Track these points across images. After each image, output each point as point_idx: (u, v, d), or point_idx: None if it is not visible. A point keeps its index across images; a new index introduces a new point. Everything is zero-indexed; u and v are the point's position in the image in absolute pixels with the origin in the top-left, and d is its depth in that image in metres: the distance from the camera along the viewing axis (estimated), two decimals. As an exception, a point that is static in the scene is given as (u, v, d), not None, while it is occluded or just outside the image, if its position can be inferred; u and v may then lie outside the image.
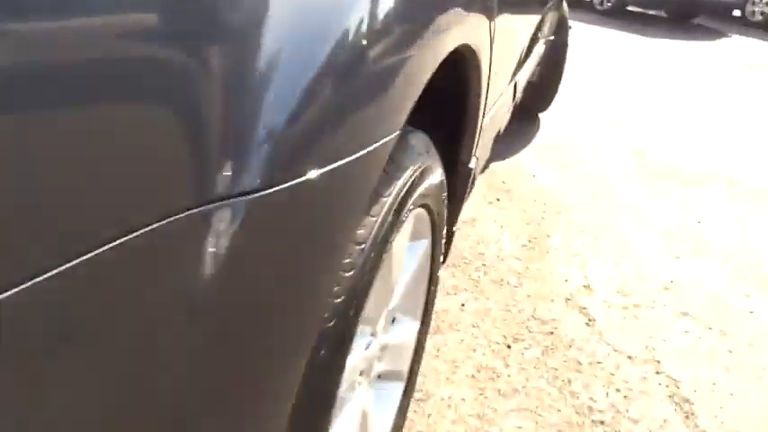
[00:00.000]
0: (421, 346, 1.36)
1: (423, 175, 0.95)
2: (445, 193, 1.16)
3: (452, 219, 1.39)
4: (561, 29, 3.56)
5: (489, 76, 1.20)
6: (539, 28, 2.78)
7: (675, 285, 2.14)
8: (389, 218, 0.80)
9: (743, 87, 5.32)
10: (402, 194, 0.84)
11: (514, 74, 2.12)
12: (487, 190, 2.76)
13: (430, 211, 1.10)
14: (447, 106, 1.23)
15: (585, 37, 6.36)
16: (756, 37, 8.22)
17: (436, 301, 1.95)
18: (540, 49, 2.95)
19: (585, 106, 4.17)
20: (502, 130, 2.43)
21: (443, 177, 1.10)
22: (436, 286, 1.36)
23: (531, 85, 3.28)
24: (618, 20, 8.21)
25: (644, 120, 4.00)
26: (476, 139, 1.28)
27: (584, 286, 2.09)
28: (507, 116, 2.40)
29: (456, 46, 0.84)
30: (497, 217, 2.52)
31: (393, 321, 1.21)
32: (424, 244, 1.17)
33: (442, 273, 2.07)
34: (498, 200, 2.67)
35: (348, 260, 0.71)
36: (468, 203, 2.65)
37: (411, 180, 0.88)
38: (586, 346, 1.79)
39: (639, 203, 2.76)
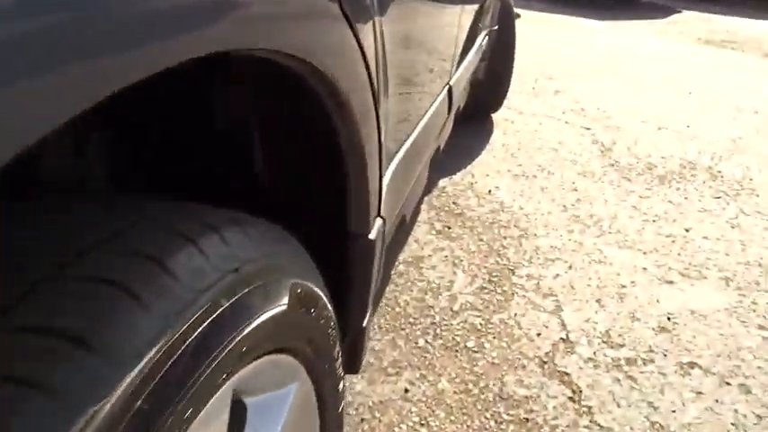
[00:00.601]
0: None
1: (233, 321, 0.47)
2: (317, 307, 0.68)
3: (358, 314, 0.91)
4: (506, 17, 3.13)
5: (378, 99, 0.72)
6: (477, 18, 2.33)
7: (673, 323, 1.70)
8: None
9: (702, 65, 5.00)
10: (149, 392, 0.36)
11: (447, 78, 1.65)
12: (435, 216, 2.29)
13: (285, 350, 0.62)
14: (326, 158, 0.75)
15: (533, 24, 5.99)
16: (704, 10, 7.99)
17: (372, 388, 1.48)
18: (482, 41, 2.51)
19: (541, 101, 3.75)
20: (442, 146, 1.97)
21: (299, 293, 0.62)
22: (340, 428, 0.88)
23: (478, 84, 2.84)
24: (565, 4, 7.89)
25: (605, 110, 3.60)
26: (373, 197, 0.80)
27: (563, 339, 1.64)
28: (447, 128, 1.94)
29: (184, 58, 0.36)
30: (449, 251, 2.05)
31: None
32: (293, 390, 0.69)
33: (380, 343, 1.60)
34: (448, 227, 2.21)
35: None
36: (413, 237, 2.19)
37: (177, 358, 0.39)
38: (574, 437, 1.33)
39: (615, 213, 2.33)
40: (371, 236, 0.83)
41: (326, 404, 0.79)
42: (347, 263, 0.83)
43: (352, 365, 0.99)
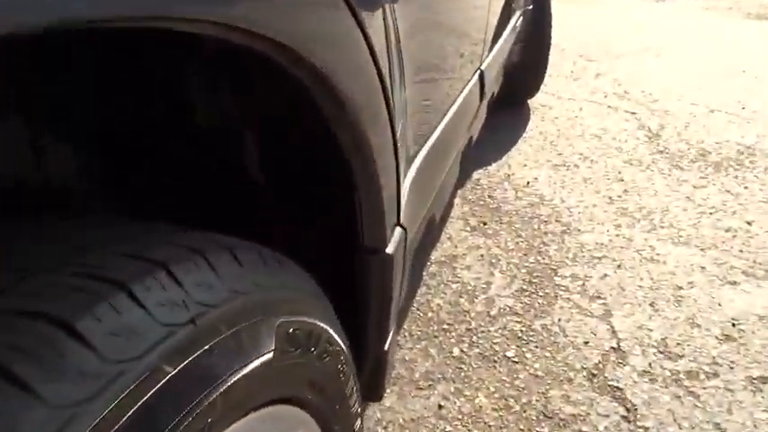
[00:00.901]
0: None
1: (185, 392, 0.35)
2: (318, 344, 0.56)
3: (377, 338, 0.79)
4: (541, -4, 2.93)
5: (389, 92, 0.59)
6: (510, -2, 2.16)
7: (739, 330, 1.52)
8: None
9: (755, 42, 4.66)
10: None
11: (478, 62, 1.50)
12: (470, 210, 2.15)
13: (278, 402, 0.50)
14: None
15: (570, 3, 5.71)
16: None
17: (402, 404, 1.36)
18: (516, 23, 2.33)
19: (581, 85, 3.54)
20: (475, 137, 1.82)
21: (291, 333, 0.50)
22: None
23: (512, 68, 2.67)
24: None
25: (650, 93, 3.36)
26: (389, 204, 0.67)
27: (613, 349, 1.48)
28: (480, 117, 1.79)
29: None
30: (485, 249, 1.91)
31: None
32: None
33: (412, 353, 1.47)
34: (484, 223, 2.06)
35: None
36: (446, 234, 2.05)
37: None
38: (630, 463, 1.18)
39: (667, 205, 2.14)
40: (389, 250, 0.70)
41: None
42: (361, 282, 0.70)
43: (374, 393, 0.87)
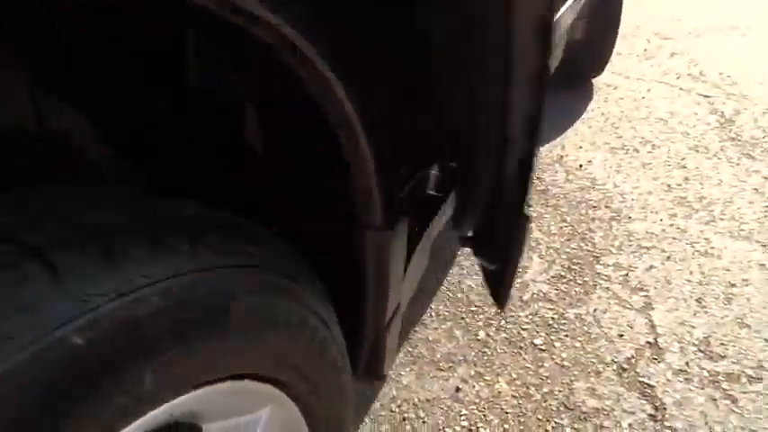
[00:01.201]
0: None
1: (105, 367, 0.35)
2: (287, 323, 0.54)
3: (375, 317, 0.77)
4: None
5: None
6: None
7: (794, 335, 1.41)
8: None
9: None
10: None
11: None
12: (515, 192, 2.07)
13: (240, 377, 0.49)
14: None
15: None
16: None
17: (420, 383, 1.35)
18: (580, -5, 2.20)
19: (652, 64, 3.32)
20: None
21: (253, 311, 0.49)
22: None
23: (576, 44, 2.54)
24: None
25: (729, 75, 3.11)
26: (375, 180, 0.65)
27: (649, 344, 1.40)
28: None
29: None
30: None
31: None
32: (266, 415, 0.57)
33: (436, 333, 1.45)
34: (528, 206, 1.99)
35: None
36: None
37: None
38: (651, 465, 1.12)
39: (731, 196, 1.99)
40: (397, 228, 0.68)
41: (322, 427, 0.67)
42: (357, 256, 0.69)
43: (374, 372, 0.86)
